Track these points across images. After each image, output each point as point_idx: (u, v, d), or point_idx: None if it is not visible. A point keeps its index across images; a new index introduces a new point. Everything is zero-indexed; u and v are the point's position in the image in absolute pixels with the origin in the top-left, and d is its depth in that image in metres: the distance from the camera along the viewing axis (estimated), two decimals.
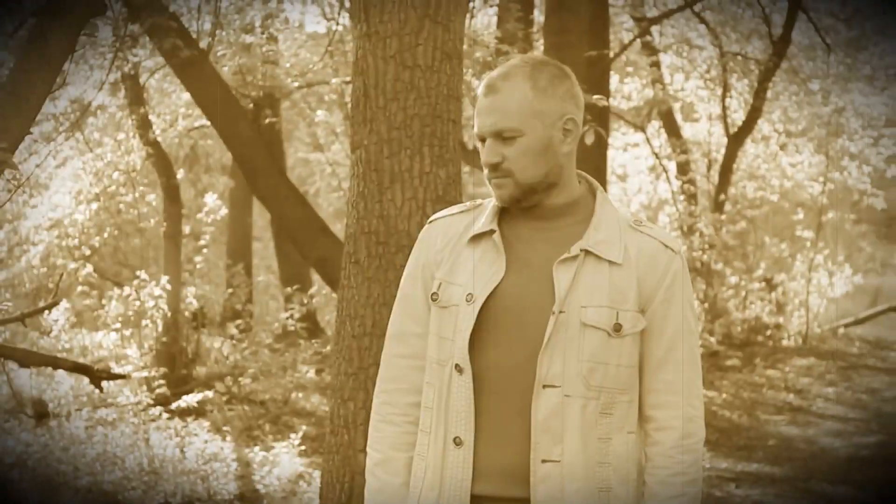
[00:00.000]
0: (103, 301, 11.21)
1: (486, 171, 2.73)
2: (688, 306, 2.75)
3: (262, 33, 10.47)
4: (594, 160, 11.22)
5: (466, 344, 2.70)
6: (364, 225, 4.55)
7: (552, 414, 2.65)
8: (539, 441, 2.65)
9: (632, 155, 17.47)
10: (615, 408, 2.69)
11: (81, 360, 9.84)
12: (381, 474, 2.87)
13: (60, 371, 8.48)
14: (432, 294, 2.79)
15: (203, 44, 9.38)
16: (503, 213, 2.79)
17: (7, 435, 8.99)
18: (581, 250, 2.69)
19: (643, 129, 15.23)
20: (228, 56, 10.33)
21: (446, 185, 4.58)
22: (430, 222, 2.90)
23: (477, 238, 2.78)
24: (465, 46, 5.55)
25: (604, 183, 12.26)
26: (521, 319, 2.69)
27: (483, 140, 2.72)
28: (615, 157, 17.00)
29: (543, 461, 2.65)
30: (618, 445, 2.70)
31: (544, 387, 2.65)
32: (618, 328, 2.67)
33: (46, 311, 9.20)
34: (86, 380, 8.03)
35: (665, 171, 15.04)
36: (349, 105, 4.87)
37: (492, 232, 2.75)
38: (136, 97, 11.12)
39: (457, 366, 2.71)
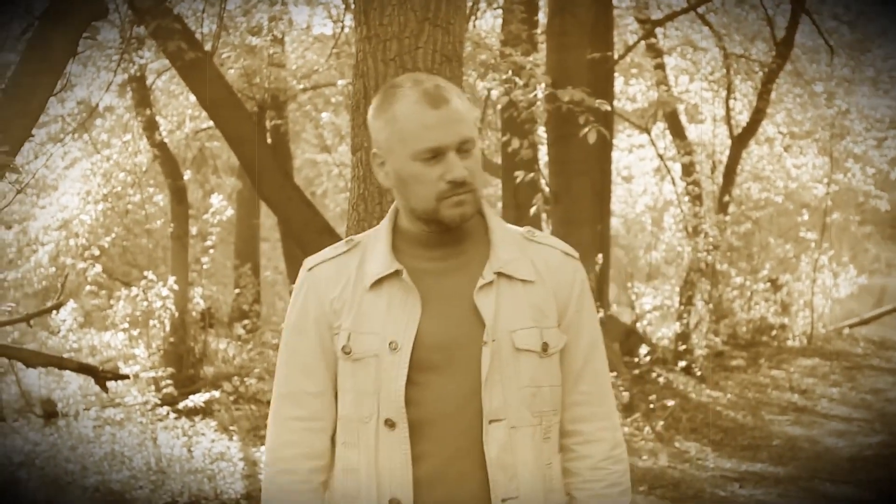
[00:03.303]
0: (111, 301, 11.25)
1: (444, 188, 2.47)
2: (594, 314, 2.66)
3: (268, 35, 10.49)
4: (599, 162, 11.26)
5: (402, 396, 2.49)
6: (364, 227, 4.55)
7: (503, 449, 2.51)
8: (496, 479, 2.51)
9: (637, 156, 17.52)
10: (552, 431, 2.59)
11: (90, 360, 9.91)
12: None
13: (68, 371, 8.56)
14: (343, 347, 2.54)
15: (208, 46, 9.41)
16: (397, 250, 2.58)
17: (16, 434, 9.07)
18: (495, 273, 2.54)
19: (648, 131, 15.23)
20: (233, 58, 10.36)
21: None
22: (311, 269, 2.63)
23: (379, 281, 2.55)
24: (465, 49, 5.58)
25: (609, 184, 12.27)
26: (451, 356, 2.51)
27: (435, 155, 2.47)
28: (620, 159, 17.06)
29: (503, 500, 2.51)
30: (556, 469, 2.61)
31: (491, 422, 2.50)
32: (545, 347, 2.55)
33: (54, 311, 9.27)
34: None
35: (670, 172, 15.03)
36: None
37: (398, 272, 2.54)
38: (143, 99, 11.19)
39: (387, 420, 2.50)
